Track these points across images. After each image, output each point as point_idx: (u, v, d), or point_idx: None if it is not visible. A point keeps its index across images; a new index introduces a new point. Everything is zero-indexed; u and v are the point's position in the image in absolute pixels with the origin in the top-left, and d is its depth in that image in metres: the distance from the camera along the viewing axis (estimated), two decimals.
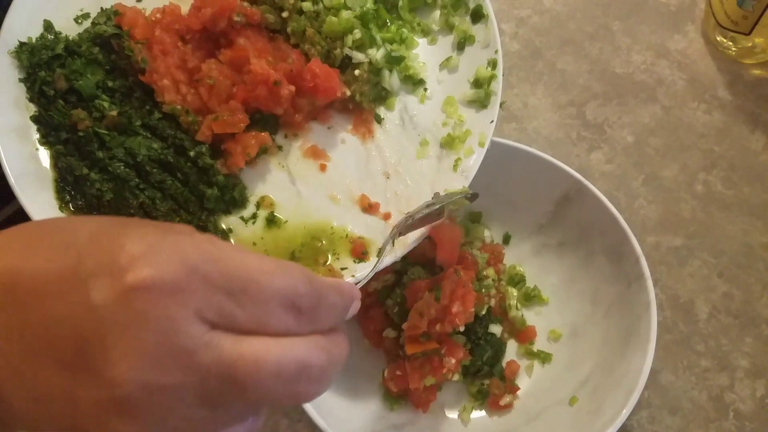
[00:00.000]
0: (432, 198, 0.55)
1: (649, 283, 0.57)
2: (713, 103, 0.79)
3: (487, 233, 0.66)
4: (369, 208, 0.57)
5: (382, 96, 0.60)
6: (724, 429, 0.62)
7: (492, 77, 0.60)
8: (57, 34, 0.60)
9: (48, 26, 0.60)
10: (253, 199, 0.57)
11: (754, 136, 0.77)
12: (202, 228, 0.56)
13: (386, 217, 0.56)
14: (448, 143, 0.58)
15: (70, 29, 0.60)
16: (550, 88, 0.79)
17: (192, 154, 0.56)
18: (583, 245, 0.63)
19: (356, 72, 0.59)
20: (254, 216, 0.57)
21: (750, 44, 0.81)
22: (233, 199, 0.57)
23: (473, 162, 0.57)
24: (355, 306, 0.37)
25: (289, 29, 0.60)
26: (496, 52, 0.61)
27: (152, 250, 0.30)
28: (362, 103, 0.59)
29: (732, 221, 0.72)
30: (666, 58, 0.82)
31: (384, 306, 0.59)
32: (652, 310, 0.56)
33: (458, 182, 0.56)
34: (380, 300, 0.59)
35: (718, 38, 0.83)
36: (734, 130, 0.77)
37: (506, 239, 0.67)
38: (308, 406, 0.51)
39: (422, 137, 0.59)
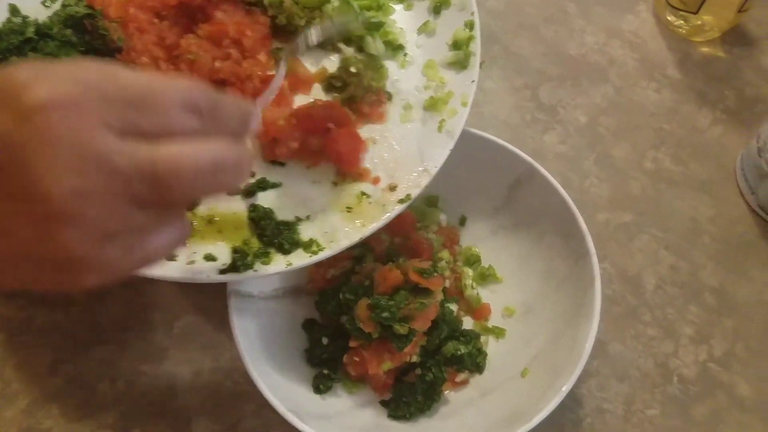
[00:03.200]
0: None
1: (595, 260, 0.61)
2: (663, 81, 0.82)
3: (442, 217, 0.69)
4: (359, 175, 0.58)
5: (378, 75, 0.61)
6: (668, 393, 0.67)
7: (470, 38, 0.62)
8: (24, 18, 0.59)
9: (14, 10, 0.59)
10: None
11: (701, 113, 0.81)
12: None
13: (375, 181, 0.58)
14: (432, 105, 0.60)
15: (37, 13, 0.59)
16: (506, 72, 0.82)
17: None
18: (535, 226, 0.67)
19: (352, 69, 0.60)
20: None
21: (699, 22, 0.84)
22: None
23: (457, 121, 0.59)
24: (255, 120, 0.39)
25: (266, 1, 0.61)
26: (473, 14, 0.63)
27: (42, 75, 0.32)
28: (364, 97, 0.60)
29: (679, 197, 0.76)
30: (618, 38, 0.85)
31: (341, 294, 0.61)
32: (596, 285, 0.59)
33: (443, 142, 0.58)
34: (337, 288, 0.61)
35: (668, 17, 0.86)
36: (683, 108, 0.81)
37: (462, 221, 0.71)
38: (269, 395, 0.54)
39: (406, 101, 0.61)
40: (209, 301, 0.67)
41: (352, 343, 0.59)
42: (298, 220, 0.57)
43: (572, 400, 0.65)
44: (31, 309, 0.67)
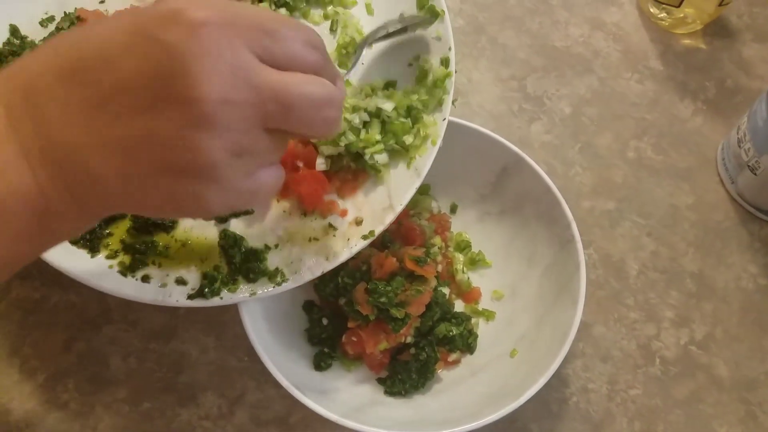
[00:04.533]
0: (398, 18, 0.60)
1: (580, 246, 0.63)
2: (645, 73, 0.85)
3: (434, 204, 0.71)
4: (327, 208, 0.60)
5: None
6: (650, 373, 0.69)
7: (447, 75, 0.60)
8: (23, 38, 0.60)
9: (14, 31, 0.60)
10: None
11: (682, 104, 0.83)
12: None
13: (343, 213, 0.60)
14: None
15: (36, 33, 0.61)
16: (493, 63, 0.84)
17: None
18: (520, 213, 0.69)
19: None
20: None
21: (681, 15, 0.86)
22: None
23: (426, 160, 0.59)
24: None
25: None
26: (450, 49, 0.61)
27: (196, 3, 0.36)
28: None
29: (660, 185, 0.78)
30: (602, 30, 0.87)
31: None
32: (581, 270, 0.62)
33: (410, 180, 0.59)
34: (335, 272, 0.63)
35: (651, 10, 0.88)
36: (664, 99, 0.83)
37: (453, 209, 0.73)
38: (274, 370, 0.56)
39: None
40: None
41: (350, 324, 0.61)
42: (267, 248, 0.59)
43: (558, 379, 0.67)
44: (45, 289, 0.69)
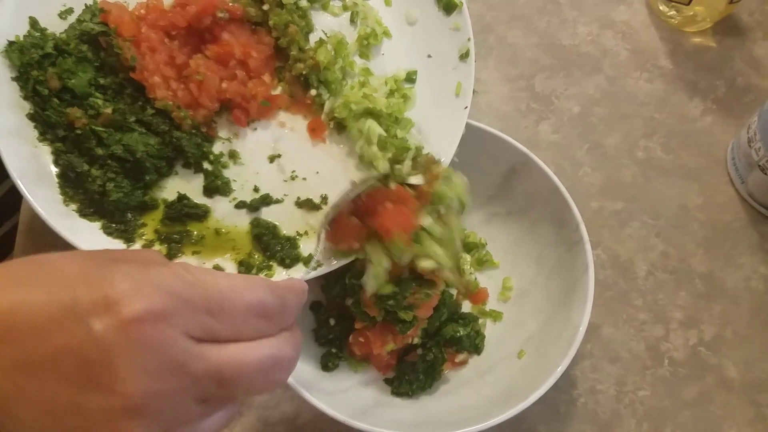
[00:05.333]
0: (350, 186, 0.59)
1: (588, 247, 0.62)
2: (655, 72, 0.84)
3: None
4: None
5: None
6: (659, 375, 0.69)
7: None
8: (43, 30, 0.61)
9: (34, 23, 0.61)
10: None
11: (692, 103, 0.82)
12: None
13: None
14: None
15: (55, 25, 0.61)
16: (501, 62, 0.83)
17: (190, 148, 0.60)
18: (528, 213, 0.68)
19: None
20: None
21: (691, 13, 0.86)
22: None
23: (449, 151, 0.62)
24: (305, 298, 0.44)
25: (270, 22, 0.63)
26: (469, 40, 0.64)
27: (139, 285, 0.36)
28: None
29: (669, 185, 0.77)
30: (611, 29, 0.86)
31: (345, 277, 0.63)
32: (590, 271, 0.61)
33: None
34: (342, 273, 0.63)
35: (661, 8, 0.87)
36: (674, 98, 0.82)
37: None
38: None
39: None
40: None
41: (357, 325, 0.61)
42: (299, 234, 0.60)
43: (566, 381, 0.67)
44: None
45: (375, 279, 0.57)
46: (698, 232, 0.75)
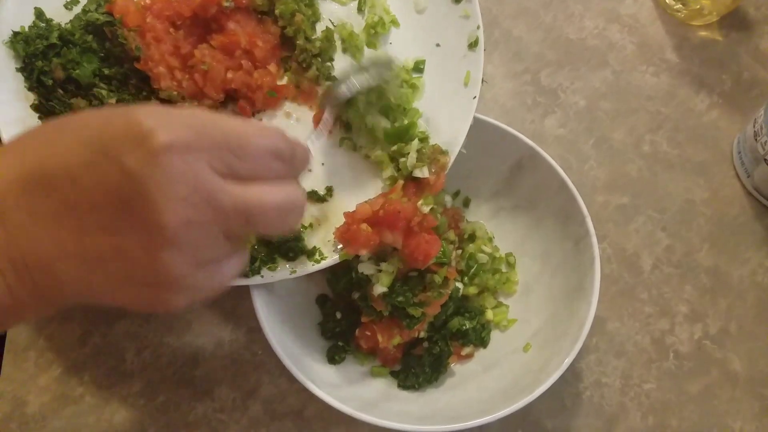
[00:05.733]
0: (357, 67, 0.60)
1: (594, 241, 0.62)
2: (661, 65, 0.84)
3: (447, 198, 0.71)
4: None
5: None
6: (664, 368, 0.69)
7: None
8: (48, 21, 0.61)
9: (39, 14, 0.61)
10: None
11: (698, 97, 0.82)
12: None
13: None
14: None
15: (60, 16, 0.61)
16: (506, 57, 0.83)
17: None
18: (534, 208, 0.68)
19: None
20: None
21: (698, 6, 0.85)
22: None
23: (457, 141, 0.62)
24: (310, 159, 0.47)
25: (276, 11, 0.63)
26: (478, 28, 0.64)
27: (163, 121, 0.36)
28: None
29: (675, 179, 0.77)
30: (617, 22, 0.86)
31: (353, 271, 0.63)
32: (596, 266, 0.61)
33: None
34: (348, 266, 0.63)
35: (667, 1, 0.87)
36: (680, 92, 0.82)
37: (466, 203, 0.72)
38: (289, 363, 0.56)
39: None
40: None
41: (363, 319, 0.62)
42: (303, 227, 0.60)
43: (572, 374, 0.67)
44: None
45: (384, 284, 0.58)
46: (704, 226, 0.75)
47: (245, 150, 0.39)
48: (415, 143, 0.59)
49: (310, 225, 0.60)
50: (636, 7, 0.87)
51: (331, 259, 0.58)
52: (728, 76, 0.83)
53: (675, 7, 0.87)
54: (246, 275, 0.58)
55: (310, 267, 0.58)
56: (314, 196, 0.62)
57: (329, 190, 0.62)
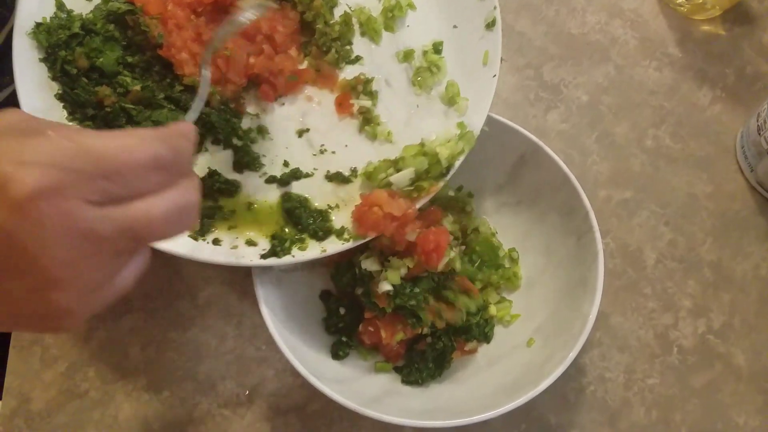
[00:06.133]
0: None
1: (598, 235, 0.62)
2: (664, 60, 0.84)
3: (450, 193, 0.71)
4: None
5: None
6: (668, 363, 0.69)
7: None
8: (69, 12, 0.61)
9: (60, 5, 0.61)
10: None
11: (701, 91, 0.82)
12: None
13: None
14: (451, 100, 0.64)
15: (80, 6, 0.62)
16: (509, 51, 0.83)
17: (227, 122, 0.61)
18: (537, 203, 0.68)
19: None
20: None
21: (701, 0, 0.85)
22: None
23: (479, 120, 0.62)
24: (196, 139, 0.44)
25: None
26: (495, 8, 0.64)
27: (21, 164, 0.34)
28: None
29: (678, 174, 0.77)
30: (619, 17, 0.86)
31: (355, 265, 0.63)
32: (599, 260, 0.61)
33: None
34: (351, 262, 0.63)
35: None
36: (683, 87, 0.82)
37: (469, 198, 0.72)
38: (293, 359, 0.56)
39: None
40: (231, 273, 0.69)
41: (366, 315, 0.62)
42: (330, 208, 0.61)
43: (576, 369, 0.67)
44: None
45: (391, 281, 0.58)
46: (707, 220, 0.75)
47: (119, 172, 0.37)
48: (410, 171, 0.59)
49: (336, 206, 0.61)
50: (638, 1, 0.87)
51: (361, 238, 0.59)
52: (731, 71, 0.83)
53: (678, 2, 0.87)
54: (277, 255, 0.58)
55: (340, 245, 0.58)
56: (339, 178, 0.62)
57: (353, 171, 0.62)
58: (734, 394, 0.67)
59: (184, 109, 0.60)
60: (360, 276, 0.61)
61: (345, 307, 0.65)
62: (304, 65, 0.65)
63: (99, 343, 0.68)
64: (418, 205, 0.59)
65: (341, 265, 0.63)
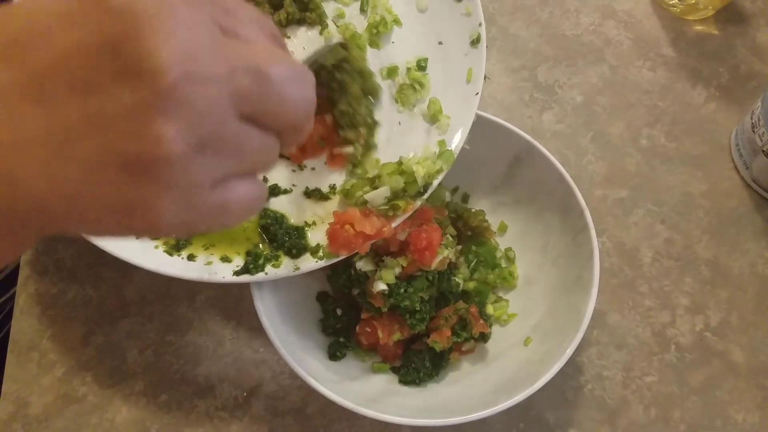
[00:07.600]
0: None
1: (593, 233, 0.62)
2: (657, 60, 0.84)
3: (447, 194, 0.71)
4: None
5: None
6: (665, 360, 0.69)
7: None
8: None
9: None
10: None
11: (695, 90, 0.82)
12: None
13: None
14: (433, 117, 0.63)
15: None
16: (504, 53, 0.83)
17: None
18: (533, 202, 0.69)
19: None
20: None
21: (694, 1, 0.86)
22: None
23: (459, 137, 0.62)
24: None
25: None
26: (480, 25, 0.63)
27: None
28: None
29: (673, 172, 0.78)
30: (613, 18, 0.87)
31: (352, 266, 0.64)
32: (595, 258, 0.61)
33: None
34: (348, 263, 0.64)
35: None
36: (677, 86, 0.83)
37: (465, 199, 0.73)
38: (290, 360, 0.56)
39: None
40: None
41: (363, 315, 0.62)
42: (306, 224, 0.61)
43: (573, 367, 0.67)
44: (63, 284, 0.70)
45: (385, 280, 0.58)
46: (703, 218, 0.75)
47: (240, 15, 0.33)
48: (385, 190, 0.58)
49: (314, 222, 0.61)
50: (632, 2, 0.88)
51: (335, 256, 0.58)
52: (725, 69, 0.83)
53: (671, 2, 0.87)
54: (250, 272, 0.58)
55: (313, 263, 0.58)
56: (317, 195, 0.62)
57: (332, 188, 0.62)
58: (733, 391, 0.67)
59: None
60: (356, 277, 0.61)
61: (342, 308, 0.65)
62: None
63: (96, 347, 0.68)
64: (394, 225, 0.58)
65: (338, 266, 0.63)
